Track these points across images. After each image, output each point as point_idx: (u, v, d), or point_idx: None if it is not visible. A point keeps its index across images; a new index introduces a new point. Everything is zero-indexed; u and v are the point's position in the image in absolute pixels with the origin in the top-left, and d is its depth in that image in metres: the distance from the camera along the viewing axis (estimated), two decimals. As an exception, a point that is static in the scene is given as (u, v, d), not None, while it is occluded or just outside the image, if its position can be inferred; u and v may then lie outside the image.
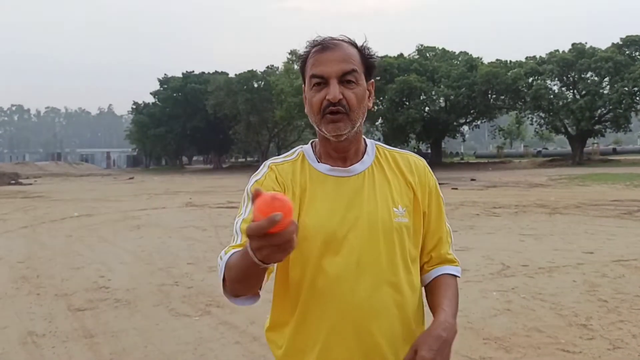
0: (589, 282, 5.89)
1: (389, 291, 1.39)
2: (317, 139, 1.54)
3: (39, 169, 52.38)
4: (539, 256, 7.31)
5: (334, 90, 1.35)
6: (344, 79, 1.36)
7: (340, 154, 1.46)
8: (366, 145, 1.52)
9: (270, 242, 0.96)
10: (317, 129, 1.44)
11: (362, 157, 1.48)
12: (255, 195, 0.99)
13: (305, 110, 1.47)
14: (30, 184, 32.85)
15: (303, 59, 1.45)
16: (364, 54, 1.43)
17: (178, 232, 10.65)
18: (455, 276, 1.53)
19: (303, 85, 1.48)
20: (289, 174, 1.46)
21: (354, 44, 1.43)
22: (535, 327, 4.52)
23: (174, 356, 4.15)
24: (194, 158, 73.25)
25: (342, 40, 1.42)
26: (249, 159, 68.47)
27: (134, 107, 61.54)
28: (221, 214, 13.50)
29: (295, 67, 42.91)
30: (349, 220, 1.40)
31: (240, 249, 1.27)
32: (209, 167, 61.67)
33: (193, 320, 4.99)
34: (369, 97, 1.46)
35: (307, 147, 1.54)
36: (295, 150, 1.54)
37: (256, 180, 1.45)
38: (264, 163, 1.53)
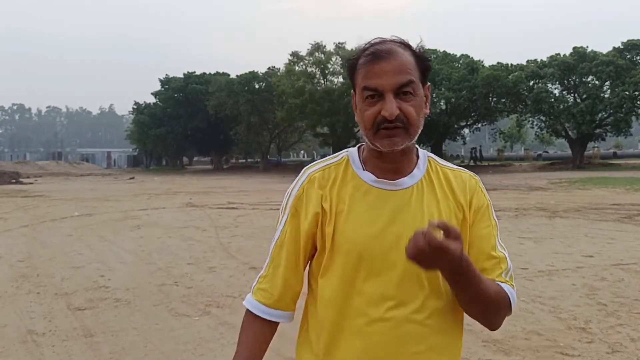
0: (589, 286, 5.90)
1: (429, 318, 1.28)
2: (364, 144, 1.40)
3: (39, 168, 52.37)
4: (539, 259, 7.31)
5: (391, 107, 1.23)
6: (401, 91, 1.25)
7: (390, 164, 1.34)
8: (418, 157, 1.39)
9: None
10: (367, 141, 1.33)
11: (413, 170, 1.36)
12: None
13: (356, 119, 1.34)
14: (31, 183, 32.86)
15: (351, 64, 1.33)
16: (420, 57, 1.30)
17: (178, 232, 10.66)
18: (503, 289, 1.31)
19: (352, 91, 1.36)
20: (329, 181, 1.36)
21: (407, 46, 1.30)
22: (535, 330, 4.53)
23: (174, 356, 4.16)
24: (195, 159, 73.24)
25: (394, 43, 1.30)
26: (249, 159, 68.51)
27: (135, 107, 61.49)
28: (221, 215, 13.51)
29: (297, 68, 42.91)
30: (390, 238, 1.29)
31: (250, 299, 1.40)
32: (209, 167, 61.66)
33: (193, 320, 5.00)
34: (425, 103, 1.34)
35: (353, 151, 1.41)
36: (340, 154, 1.43)
37: (295, 194, 1.38)
38: (304, 169, 1.42)
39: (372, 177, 1.33)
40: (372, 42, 1.31)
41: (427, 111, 1.34)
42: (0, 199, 19.82)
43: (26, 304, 5.61)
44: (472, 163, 47.41)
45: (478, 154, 49.33)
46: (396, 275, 1.28)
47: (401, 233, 1.28)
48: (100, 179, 39.72)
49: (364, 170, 1.36)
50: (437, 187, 1.36)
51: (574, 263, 7.05)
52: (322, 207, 1.34)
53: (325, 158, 1.44)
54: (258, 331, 1.38)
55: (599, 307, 5.15)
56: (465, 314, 1.36)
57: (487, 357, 3.97)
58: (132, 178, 39.59)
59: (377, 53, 1.25)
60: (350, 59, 1.33)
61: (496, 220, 1.42)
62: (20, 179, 35.01)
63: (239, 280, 6.53)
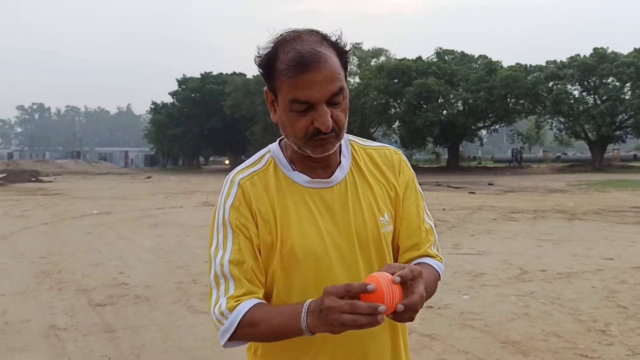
0: (608, 288, 5.84)
1: None
2: (283, 139, 1.33)
3: (58, 167, 53.03)
4: (558, 261, 7.25)
5: (327, 119, 1.17)
6: (332, 100, 1.18)
7: (320, 164, 1.30)
8: (340, 144, 1.33)
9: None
10: (295, 147, 1.25)
11: (340, 162, 1.33)
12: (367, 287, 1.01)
13: (275, 119, 1.26)
14: (50, 182, 33.30)
15: (268, 64, 1.21)
16: (340, 50, 1.22)
17: (195, 231, 10.74)
18: (434, 268, 1.35)
19: (266, 89, 1.26)
20: (262, 190, 1.28)
21: (326, 39, 1.21)
22: (554, 332, 4.50)
23: (193, 352, 4.21)
24: (211, 158, 73.68)
25: (314, 38, 1.19)
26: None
27: (153, 107, 62.05)
28: (238, 214, 13.56)
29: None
30: (339, 238, 1.27)
31: (251, 300, 1.21)
32: (225, 167, 62.00)
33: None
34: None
35: (276, 151, 1.34)
36: (263, 156, 1.35)
37: (231, 205, 1.27)
38: (229, 178, 1.33)
39: (306, 177, 1.29)
40: (287, 38, 1.19)
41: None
42: (20, 197, 20.15)
43: (48, 300, 5.71)
44: (511, 165, 47.09)
45: (519, 156, 49.25)
46: (352, 274, 1.26)
47: (348, 232, 1.28)
48: (117, 178, 40.11)
49: (294, 171, 1.30)
50: (366, 172, 1.35)
51: (593, 265, 6.98)
52: (263, 218, 1.26)
53: (246, 163, 1.35)
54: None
55: (619, 309, 5.09)
56: None
57: (505, 359, 3.95)
58: (149, 177, 39.89)
59: (303, 62, 1.14)
60: (265, 58, 1.21)
61: (421, 191, 1.42)
62: (40, 178, 35.52)
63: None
